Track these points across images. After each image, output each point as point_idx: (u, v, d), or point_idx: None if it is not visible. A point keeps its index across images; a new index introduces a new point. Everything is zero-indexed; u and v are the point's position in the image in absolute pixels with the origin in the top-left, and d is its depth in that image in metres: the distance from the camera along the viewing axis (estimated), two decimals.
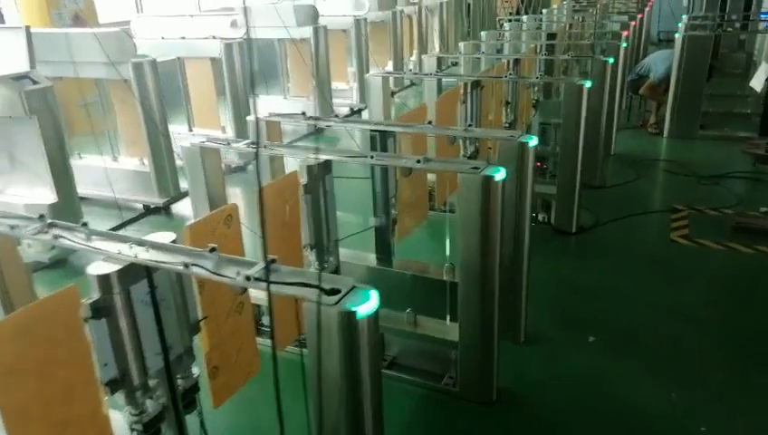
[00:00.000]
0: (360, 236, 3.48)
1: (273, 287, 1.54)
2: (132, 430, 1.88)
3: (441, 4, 10.93)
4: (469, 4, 13.14)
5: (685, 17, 8.49)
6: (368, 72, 8.37)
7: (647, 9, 10.24)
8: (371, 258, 3.51)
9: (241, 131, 6.11)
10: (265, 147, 2.91)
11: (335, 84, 8.82)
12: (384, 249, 3.45)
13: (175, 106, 6.50)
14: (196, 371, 1.98)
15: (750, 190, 5.28)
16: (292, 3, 7.30)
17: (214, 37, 5.91)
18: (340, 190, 2.85)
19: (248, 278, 1.57)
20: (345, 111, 7.88)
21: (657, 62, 6.96)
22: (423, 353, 3.13)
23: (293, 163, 2.81)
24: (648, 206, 4.97)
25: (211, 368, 1.92)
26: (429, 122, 3.36)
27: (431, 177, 3.80)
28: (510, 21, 8.95)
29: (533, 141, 2.95)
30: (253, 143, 2.94)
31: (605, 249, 4.27)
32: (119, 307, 1.70)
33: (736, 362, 3.05)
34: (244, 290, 1.68)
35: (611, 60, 5.04)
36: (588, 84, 4.11)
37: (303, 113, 3.46)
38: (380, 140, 3.23)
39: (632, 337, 3.26)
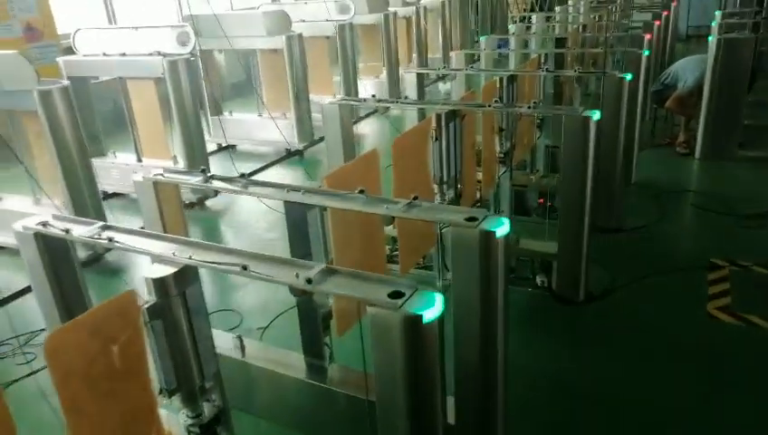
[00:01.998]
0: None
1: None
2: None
3: (443, 3, 9.93)
4: (477, 3, 12.11)
5: (718, 14, 7.39)
6: (354, 82, 7.48)
7: (673, 4, 9.11)
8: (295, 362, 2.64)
9: (193, 162, 5.24)
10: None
11: (320, 98, 7.92)
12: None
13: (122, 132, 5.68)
14: None
15: None
16: (262, 10, 6.41)
17: (159, 53, 5.05)
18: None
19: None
20: None
21: (687, 70, 5.90)
22: None
23: None
24: (676, 259, 3.96)
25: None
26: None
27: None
28: (515, 21, 7.93)
29: (503, 228, 2.01)
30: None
31: (620, 329, 3.29)
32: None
33: None
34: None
35: (629, 77, 4.04)
36: (595, 116, 3.12)
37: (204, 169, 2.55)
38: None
39: None
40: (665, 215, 4.57)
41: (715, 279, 3.66)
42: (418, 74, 4.62)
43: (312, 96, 7.96)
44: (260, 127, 6.94)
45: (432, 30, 10.06)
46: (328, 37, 7.38)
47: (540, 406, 2.72)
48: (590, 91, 7.27)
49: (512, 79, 4.30)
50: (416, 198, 2.21)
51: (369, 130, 7.83)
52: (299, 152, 6.70)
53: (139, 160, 5.56)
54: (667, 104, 6.06)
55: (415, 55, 9.31)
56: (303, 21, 7.39)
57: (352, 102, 3.71)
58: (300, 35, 6.36)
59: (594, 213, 4.35)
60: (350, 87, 7.45)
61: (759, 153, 5.67)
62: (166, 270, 1.75)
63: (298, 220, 2.45)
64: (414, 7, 8.99)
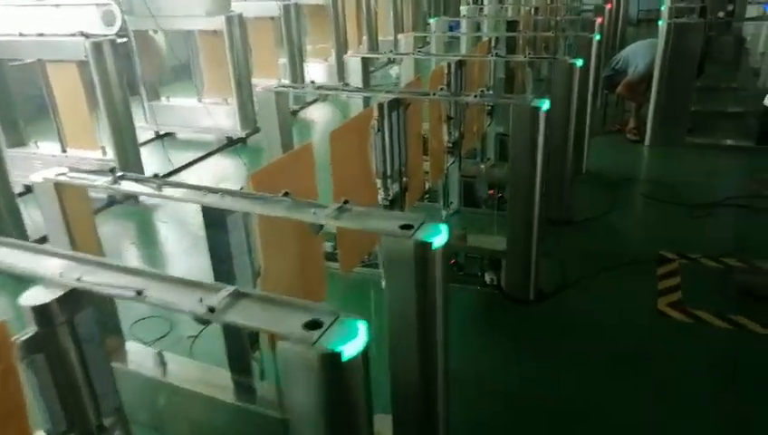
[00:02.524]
0: None
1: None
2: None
3: None
4: None
5: None
6: (301, 66, 7.16)
7: None
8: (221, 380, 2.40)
9: (123, 153, 4.87)
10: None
11: (265, 82, 7.56)
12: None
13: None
14: None
15: (755, 226, 4.20)
16: None
17: (82, 34, 4.62)
18: None
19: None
20: None
21: (637, 56, 5.82)
22: None
23: None
24: (627, 252, 3.86)
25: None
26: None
27: None
28: (468, 3, 7.72)
29: (440, 237, 1.81)
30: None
31: (571, 330, 3.16)
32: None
33: None
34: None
35: (579, 62, 3.89)
36: (544, 106, 2.95)
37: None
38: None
39: None
40: (615, 205, 4.49)
41: (665, 273, 3.58)
42: (363, 59, 4.37)
43: (256, 80, 7.63)
44: (200, 113, 6.56)
45: (384, 11, 9.76)
46: (273, 18, 7.01)
47: (484, 423, 2.56)
48: (542, 76, 7.16)
49: (461, 64, 4.10)
50: (346, 202, 1.99)
51: (317, 116, 7.53)
52: (241, 140, 6.37)
53: (64, 151, 5.14)
54: (618, 90, 5.99)
55: (365, 38, 9.02)
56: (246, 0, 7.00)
57: (290, 89, 3.44)
58: (240, 16, 6.00)
59: (545, 205, 4.27)
60: (296, 71, 7.14)
61: (706, 140, 5.67)
62: (48, 295, 1.51)
63: (218, 226, 2.20)
64: None
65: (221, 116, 6.39)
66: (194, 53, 6.54)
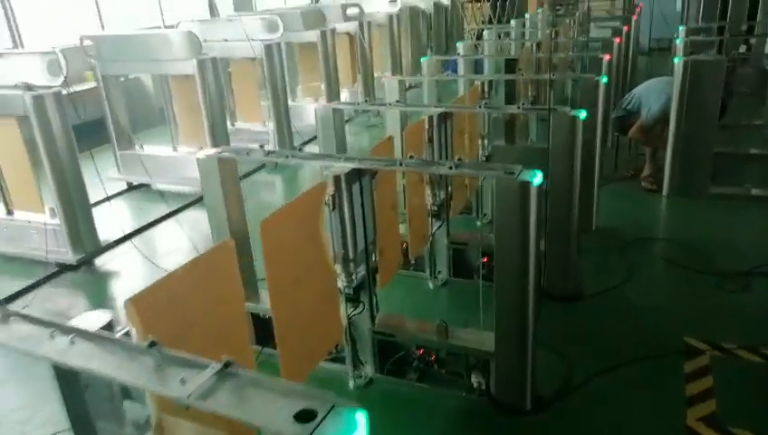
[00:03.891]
0: None
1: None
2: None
3: (391, 17, 9.18)
4: (430, 15, 11.40)
5: (681, 29, 6.81)
6: (286, 109, 6.66)
7: (634, 18, 8.52)
8: None
9: (72, 215, 4.35)
10: None
11: (248, 125, 7.09)
12: None
13: None
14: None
15: None
16: (168, 31, 5.55)
17: (26, 85, 4.14)
18: None
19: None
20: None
21: (651, 96, 5.22)
22: None
23: None
24: (646, 339, 3.21)
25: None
26: None
27: None
28: (472, 36, 7.21)
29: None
30: None
31: None
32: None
33: None
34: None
35: (582, 115, 3.30)
36: (536, 180, 2.35)
37: None
38: None
39: None
40: (631, 274, 3.84)
41: (694, 371, 2.91)
42: (335, 110, 3.84)
43: (240, 124, 7.15)
44: (175, 162, 6.07)
45: (382, 47, 9.30)
46: (254, 59, 6.54)
47: None
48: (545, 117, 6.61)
49: (445, 116, 3.54)
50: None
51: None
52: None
53: (9, 213, 4.63)
54: (631, 133, 5.38)
55: (360, 77, 8.54)
56: (226, 41, 6.55)
57: (235, 156, 2.89)
58: (214, 59, 5.51)
59: (546, 279, 3.64)
60: (281, 114, 6.63)
61: (732, 189, 5.00)
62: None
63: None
64: (357, 22, 8.22)
65: (195, 168, 5.86)
66: (167, 98, 6.06)
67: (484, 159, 4.46)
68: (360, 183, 2.67)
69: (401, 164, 2.59)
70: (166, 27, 6.81)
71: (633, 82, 7.71)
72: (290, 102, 7.97)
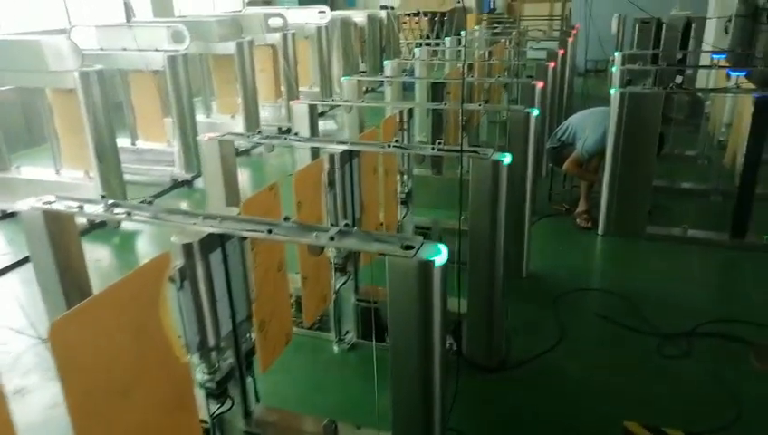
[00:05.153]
0: None
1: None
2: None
3: (320, 30, 8.62)
4: (362, 29, 10.90)
5: (617, 55, 6.54)
6: (193, 127, 5.97)
7: (570, 40, 8.29)
8: None
9: None
10: None
11: (151, 145, 6.34)
12: None
13: None
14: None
15: (744, 373, 3.12)
16: (42, 38, 4.78)
17: None
18: None
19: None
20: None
21: (587, 127, 4.85)
22: None
23: None
24: (577, 424, 2.74)
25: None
26: None
27: None
28: (411, 48, 6.73)
29: None
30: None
31: None
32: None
33: None
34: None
35: (506, 159, 2.81)
36: (438, 261, 1.81)
37: None
38: None
39: None
40: (563, 336, 3.38)
41: None
42: (311, 106, 3.38)
43: (142, 144, 6.40)
44: (58, 189, 5.22)
45: (305, 59, 8.72)
46: (157, 72, 5.82)
47: None
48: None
49: (350, 154, 2.99)
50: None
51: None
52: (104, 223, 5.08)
53: None
54: (565, 167, 4.99)
55: (284, 89, 7.91)
56: (125, 50, 5.81)
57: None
58: (100, 71, 4.77)
59: (467, 345, 3.13)
60: (187, 133, 5.92)
61: (670, 230, 4.68)
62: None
63: None
64: (280, 34, 7.60)
65: (81, 192, 5.09)
66: (47, 115, 5.25)
67: (403, 196, 3.93)
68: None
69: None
70: (57, 31, 5.98)
71: (569, 107, 7.44)
72: (204, 119, 7.33)
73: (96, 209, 2.24)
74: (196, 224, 2.03)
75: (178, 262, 1.96)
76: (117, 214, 2.22)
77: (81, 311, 1.61)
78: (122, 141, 6.16)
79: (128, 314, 1.77)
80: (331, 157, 2.83)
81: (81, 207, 2.24)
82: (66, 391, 1.57)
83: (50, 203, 2.28)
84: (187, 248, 1.96)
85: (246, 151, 7.22)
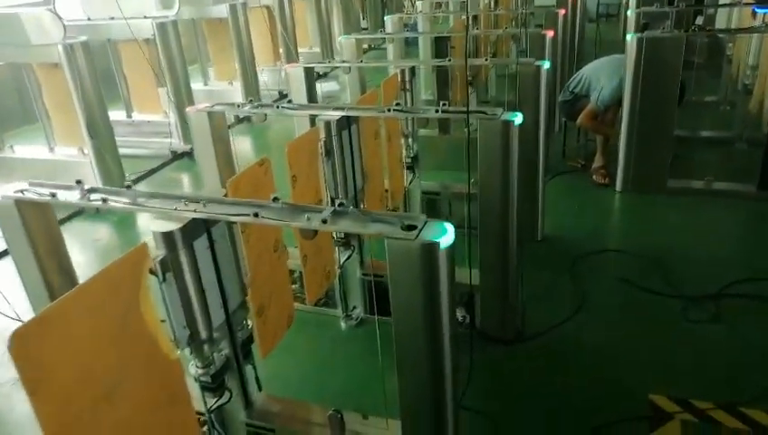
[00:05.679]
0: None
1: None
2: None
3: None
4: None
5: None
6: (188, 96, 5.75)
7: None
8: None
9: None
10: None
11: (146, 117, 6.14)
12: None
13: None
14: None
15: None
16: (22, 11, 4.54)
17: None
18: None
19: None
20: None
21: (601, 77, 4.56)
22: None
23: None
24: (600, 397, 2.58)
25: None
26: None
27: None
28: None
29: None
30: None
31: None
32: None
33: None
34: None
35: (517, 119, 2.58)
36: (444, 242, 1.62)
37: None
38: None
39: None
40: (583, 302, 3.21)
41: None
42: (306, 69, 3.19)
43: (138, 116, 6.20)
44: (52, 167, 5.11)
45: (303, 18, 8.38)
46: (147, 40, 5.56)
47: None
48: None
49: (347, 120, 2.77)
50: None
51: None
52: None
53: None
54: (579, 120, 4.72)
55: (282, 51, 7.62)
56: (113, 19, 5.54)
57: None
58: (86, 43, 4.54)
59: (480, 316, 2.97)
60: (183, 102, 5.70)
61: (693, 183, 4.43)
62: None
63: None
64: None
65: (76, 170, 4.93)
66: (35, 91, 5.05)
67: (408, 160, 3.72)
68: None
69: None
70: (42, 3, 5.71)
71: (581, 58, 7.08)
72: (202, 87, 7.10)
73: (71, 196, 2.07)
74: (177, 209, 1.86)
75: (160, 253, 1.80)
76: (93, 201, 2.04)
77: (47, 317, 1.45)
78: (117, 114, 5.97)
79: (103, 315, 1.61)
80: (327, 124, 2.62)
81: (53, 195, 2.07)
82: (37, 408, 1.42)
83: (22, 191, 2.11)
84: (168, 237, 1.79)
85: (248, 118, 6.98)
